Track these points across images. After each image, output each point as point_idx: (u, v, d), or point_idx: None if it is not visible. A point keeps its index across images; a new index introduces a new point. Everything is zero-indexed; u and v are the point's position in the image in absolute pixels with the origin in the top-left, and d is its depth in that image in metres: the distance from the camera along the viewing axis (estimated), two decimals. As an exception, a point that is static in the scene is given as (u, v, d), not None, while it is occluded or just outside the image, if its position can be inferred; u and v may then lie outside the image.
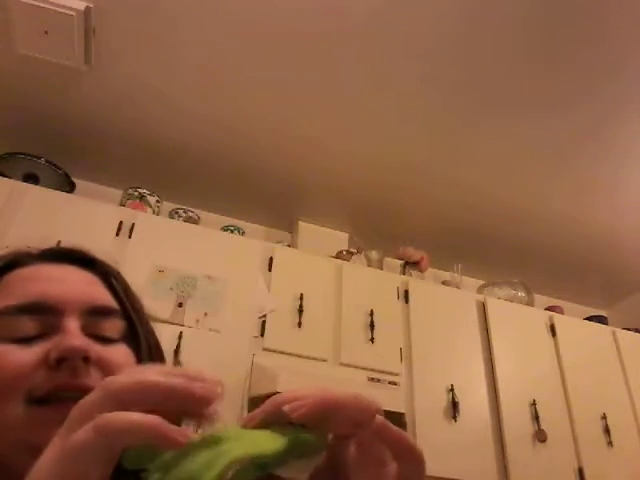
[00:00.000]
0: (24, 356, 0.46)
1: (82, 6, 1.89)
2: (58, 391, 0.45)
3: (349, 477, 0.35)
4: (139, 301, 0.58)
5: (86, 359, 0.46)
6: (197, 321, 2.05)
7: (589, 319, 3.00)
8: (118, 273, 0.59)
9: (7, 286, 0.51)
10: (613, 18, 1.86)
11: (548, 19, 1.88)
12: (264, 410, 0.33)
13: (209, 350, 2.01)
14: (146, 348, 0.54)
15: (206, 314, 2.08)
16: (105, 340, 0.51)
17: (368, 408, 0.35)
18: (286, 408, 0.31)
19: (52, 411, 0.44)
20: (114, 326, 0.52)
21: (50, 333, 0.48)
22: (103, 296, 0.54)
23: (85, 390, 0.45)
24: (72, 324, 0.48)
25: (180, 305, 2.06)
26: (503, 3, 1.84)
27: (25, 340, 0.47)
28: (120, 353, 0.51)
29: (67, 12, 1.89)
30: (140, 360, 0.52)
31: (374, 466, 0.35)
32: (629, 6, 1.82)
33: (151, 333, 0.57)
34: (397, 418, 2.17)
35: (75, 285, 0.52)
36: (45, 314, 0.48)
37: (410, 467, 0.35)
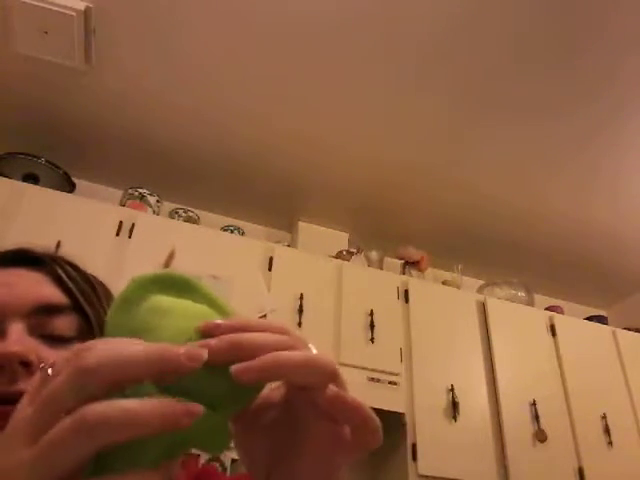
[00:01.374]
0: None
1: (82, 6, 1.89)
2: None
3: (304, 429, 0.34)
4: (99, 292, 0.56)
5: (26, 363, 0.44)
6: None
7: (589, 319, 3.00)
8: (72, 266, 0.56)
9: None
10: (613, 22, 1.86)
11: (549, 23, 1.88)
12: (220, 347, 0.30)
13: (209, 350, 2.01)
14: None
15: (206, 314, 2.08)
16: (57, 339, 0.49)
17: (323, 372, 0.33)
18: (233, 370, 0.29)
19: None
20: (65, 323, 0.50)
21: None
22: (51, 294, 0.52)
23: (21, 396, 0.44)
24: (14, 328, 0.47)
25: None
26: (507, 6, 1.84)
27: None
28: None
29: (67, 12, 1.89)
30: None
31: (330, 423, 0.33)
32: (629, 10, 1.82)
33: None
34: (397, 418, 2.17)
35: (19, 286, 0.51)
36: None
37: (365, 437, 0.33)
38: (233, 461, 1.89)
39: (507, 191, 2.68)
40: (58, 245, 1.70)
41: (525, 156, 2.47)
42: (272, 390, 0.36)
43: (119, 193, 2.52)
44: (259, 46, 2.04)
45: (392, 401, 2.17)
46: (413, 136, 2.41)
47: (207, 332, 0.30)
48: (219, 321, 0.31)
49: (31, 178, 2.28)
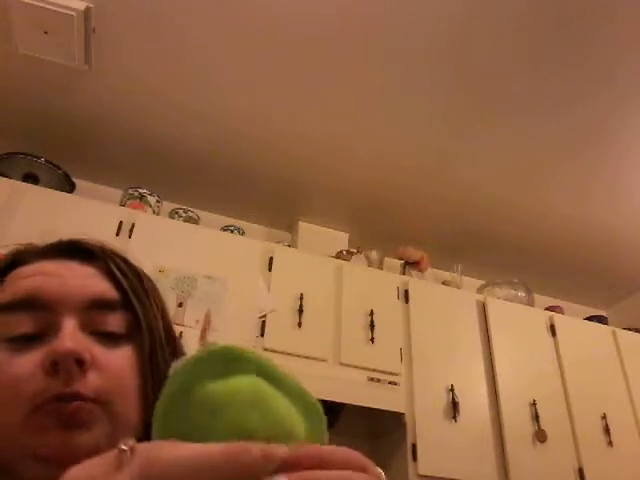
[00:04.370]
0: (22, 365, 0.45)
1: (82, 6, 1.89)
2: (55, 400, 0.44)
3: None
4: (148, 288, 0.55)
5: (80, 362, 0.45)
6: (197, 321, 2.05)
7: (589, 319, 3.00)
8: (123, 260, 0.56)
9: (6, 286, 0.50)
10: (613, 19, 1.86)
11: (548, 21, 1.88)
12: None
13: (209, 350, 2.01)
14: (148, 342, 0.51)
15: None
16: (108, 336, 0.49)
17: None
18: None
19: (48, 414, 0.44)
20: (116, 320, 0.50)
21: (48, 333, 0.46)
22: (104, 289, 0.51)
23: (78, 397, 0.44)
24: (69, 323, 0.47)
25: (180, 305, 2.06)
26: (505, 6, 1.84)
27: (23, 339, 0.46)
28: (120, 356, 0.49)
29: (67, 12, 1.89)
30: (142, 355, 0.50)
31: None
32: (629, 7, 1.82)
33: (158, 324, 0.54)
34: (397, 418, 2.17)
35: (73, 279, 0.50)
36: (40, 310, 0.47)
37: None
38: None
39: (507, 191, 2.68)
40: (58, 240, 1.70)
41: (525, 156, 2.47)
42: None
43: (119, 193, 2.52)
44: (259, 46, 2.04)
45: (392, 401, 2.17)
46: (413, 136, 2.41)
47: (287, 464, 0.27)
48: (299, 452, 0.28)
49: (31, 178, 2.28)
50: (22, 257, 0.53)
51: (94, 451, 0.42)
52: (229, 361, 0.31)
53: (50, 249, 0.55)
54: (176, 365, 0.31)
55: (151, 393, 0.49)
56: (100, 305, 0.50)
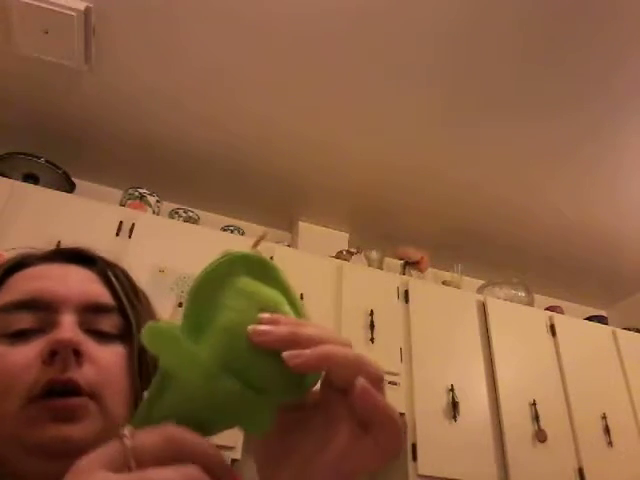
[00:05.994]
0: (20, 355, 0.46)
1: (82, 6, 1.89)
2: (50, 386, 0.45)
3: (328, 432, 0.33)
4: (141, 298, 0.58)
5: (77, 352, 0.47)
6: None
7: (589, 319, 3.00)
8: (120, 270, 0.59)
9: (10, 286, 0.53)
10: (612, 19, 1.86)
11: (548, 21, 1.88)
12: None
13: (209, 350, 2.01)
14: (138, 344, 0.53)
15: (206, 314, 2.08)
16: (101, 335, 0.51)
17: (369, 372, 0.35)
18: (285, 354, 0.31)
19: (42, 408, 0.45)
20: (110, 322, 0.53)
21: (46, 329, 0.48)
22: (100, 293, 0.54)
23: (72, 385, 0.46)
24: (67, 319, 0.49)
25: (180, 305, 2.06)
26: (504, 5, 1.84)
27: (21, 334, 0.48)
28: (112, 353, 0.51)
29: (67, 12, 1.89)
30: (132, 355, 0.53)
31: (357, 428, 0.33)
32: (629, 7, 1.82)
33: None
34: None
35: (74, 283, 0.53)
36: (41, 310, 0.49)
37: (384, 440, 0.33)
38: (233, 461, 1.89)
39: (507, 191, 2.68)
40: (58, 245, 1.69)
41: (524, 156, 2.47)
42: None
43: (119, 193, 2.52)
44: (259, 46, 2.04)
45: (392, 401, 2.14)
46: (413, 136, 2.41)
47: (270, 323, 0.33)
48: (282, 316, 0.34)
49: (31, 178, 2.28)
50: (27, 260, 0.56)
51: (85, 445, 0.42)
52: (268, 274, 0.37)
53: (53, 254, 0.58)
54: (227, 251, 0.37)
55: (140, 392, 0.51)
56: (97, 308, 0.52)
